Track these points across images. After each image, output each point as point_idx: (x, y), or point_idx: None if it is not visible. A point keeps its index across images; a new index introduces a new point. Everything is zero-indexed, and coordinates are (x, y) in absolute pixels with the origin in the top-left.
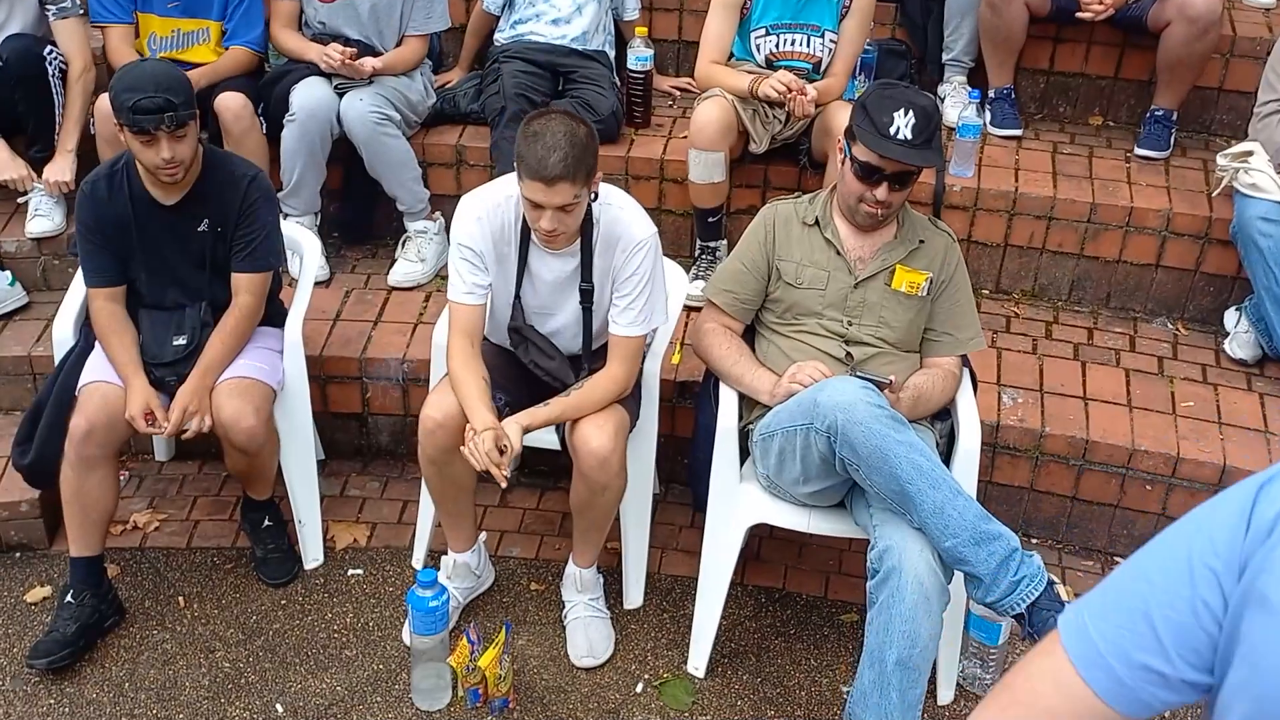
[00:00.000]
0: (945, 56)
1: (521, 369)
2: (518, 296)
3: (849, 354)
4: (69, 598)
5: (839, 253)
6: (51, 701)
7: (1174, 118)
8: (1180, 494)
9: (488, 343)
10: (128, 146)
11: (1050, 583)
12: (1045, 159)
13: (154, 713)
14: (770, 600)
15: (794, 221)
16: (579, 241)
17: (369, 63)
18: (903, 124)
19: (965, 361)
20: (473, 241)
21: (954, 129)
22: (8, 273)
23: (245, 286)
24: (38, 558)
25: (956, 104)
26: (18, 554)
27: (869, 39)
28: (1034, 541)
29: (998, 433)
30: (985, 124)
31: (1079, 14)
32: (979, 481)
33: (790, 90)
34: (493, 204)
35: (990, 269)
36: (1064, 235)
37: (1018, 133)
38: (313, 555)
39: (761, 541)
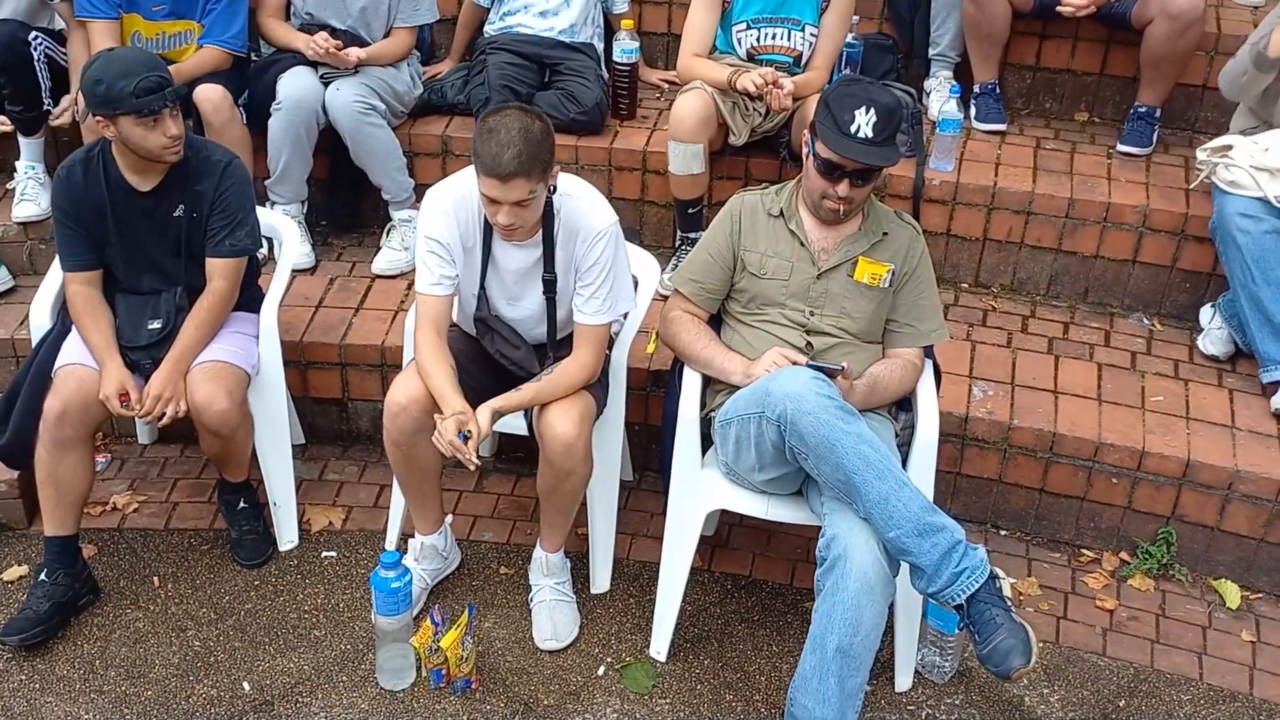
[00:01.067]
0: (931, 51)
1: (488, 357)
2: (483, 287)
3: (809, 344)
4: (43, 576)
5: (803, 244)
6: (23, 678)
7: (1157, 114)
8: (1146, 487)
9: (456, 330)
10: (119, 136)
11: (992, 576)
12: (1027, 154)
13: (123, 689)
14: (736, 587)
15: (760, 212)
16: (540, 233)
17: (354, 53)
18: (863, 122)
19: (929, 354)
20: (439, 233)
21: (935, 123)
22: None
23: (219, 272)
24: (15, 537)
25: (940, 99)
26: None
27: (855, 33)
28: (1003, 534)
29: (966, 425)
30: (969, 119)
31: (1059, 8)
32: (947, 473)
33: (768, 84)
34: (458, 195)
35: (969, 263)
36: (1042, 230)
37: (1001, 127)
38: (287, 537)
39: (730, 529)
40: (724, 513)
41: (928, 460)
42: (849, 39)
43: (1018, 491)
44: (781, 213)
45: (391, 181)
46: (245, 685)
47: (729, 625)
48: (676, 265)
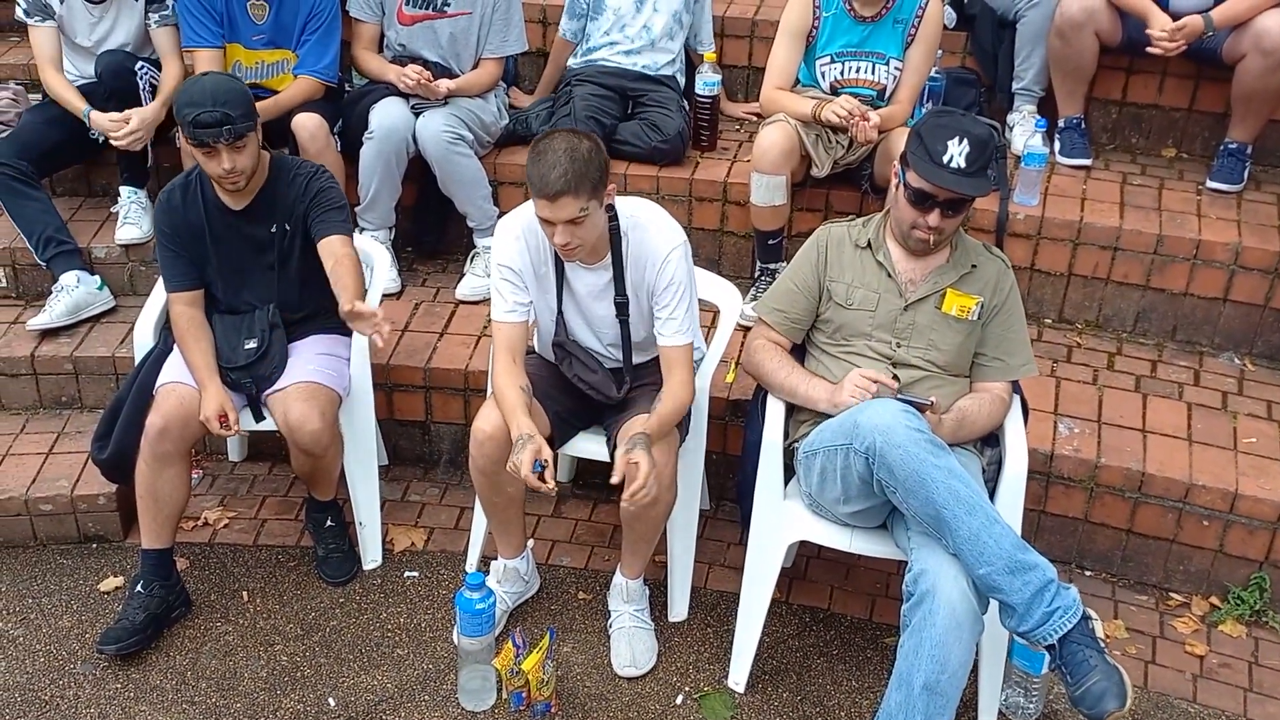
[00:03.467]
0: (1015, 85)
1: (567, 382)
2: (560, 311)
3: (895, 376)
4: (139, 588)
5: (890, 275)
6: (118, 686)
7: (1248, 151)
8: (1238, 531)
9: (537, 357)
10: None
11: (1085, 617)
12: (1114, 189)
13: (213, 701)
14: (815, 620)
15: (846, 243)
16: (609, 256)
17: (444, 84)
18: (956, 152)
19: (1017, 389)
20: (511, 261)
21: (1020, 157)
22: (97, 277)
23: (339, 245)
24: (112, 549)
25: (1024, 133)
26: (94, 545)
27: (938, 67)
28: (1087, 574)
29: (1052, 462)
30: (1054, 153)
31: (1149, 49)
32: (1032, 511)
33: (853, 115)
34: (527, 222)
35: (1053, 298)
36: (1129, 266)
37: (1086, 162)
38: (371, 556)
39: (809, 562)
40: (802, 544)
41: (1015, 496)
42: (932, 73)
43: (1104, 532)
44: (869, 244)
45: (477, 209)
46: (330, 701)
47: (808, 658)
48: (756, 296)
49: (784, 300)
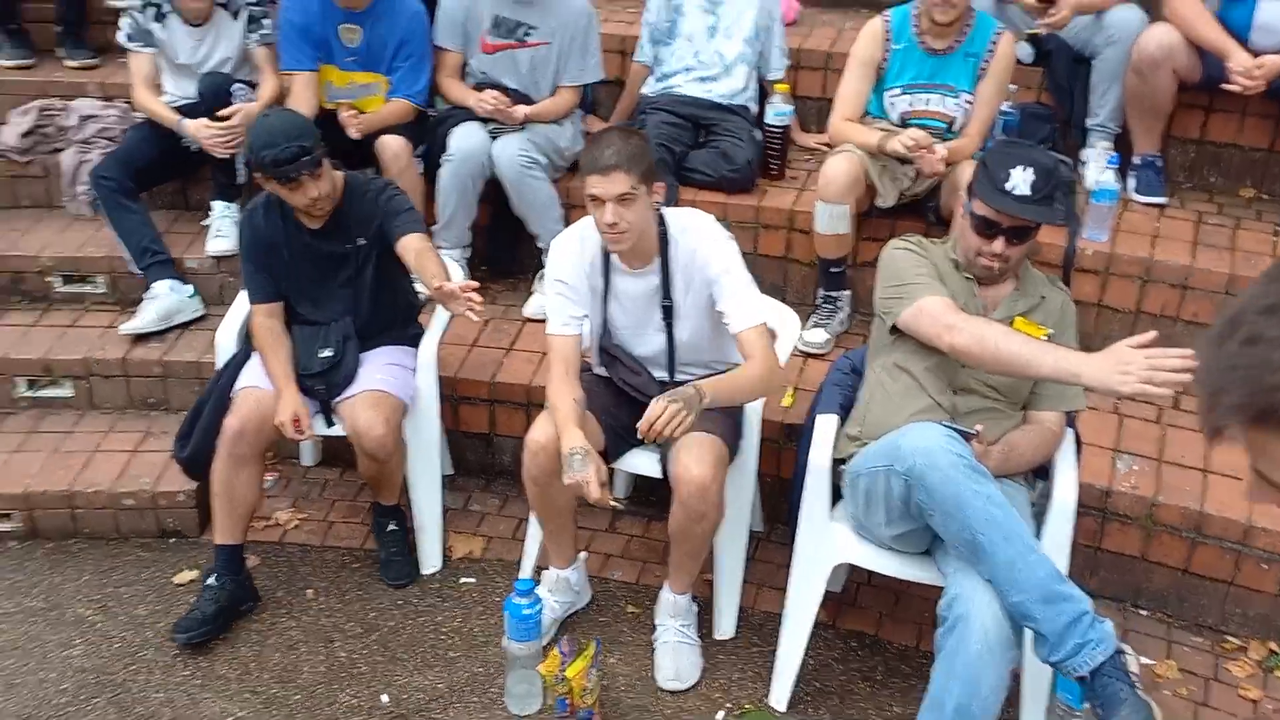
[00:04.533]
0: (1090, 121)
1: (621, 396)
2: (605, 318)
3: (954, 405)
4: (211, 581)
5: (974, 294)
6: (186, 673)
7: None
8: None
9: (590, 373)
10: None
11: (1118, 651)
12: (1187, 228)
13: (273, 692)
14: (861, 645)
15: (937, 254)
16: (658, 261)
17: (521, 110)
18: (1021, 180)
19: (1070, 423)
20: (565, 274)
21: (1090, 193)
22: (190, 286)
23: (417, 241)
24: (189, 544)
25: (1097, 169)
26: (172, 540)
27: (1013, 102)
28: (1142, 613)
29: (1109, 498)
30: (1127, 190)
31: (1227, 86)
32: (1087, 547)
33: (920, 147)
34: (579, 236)
35: (1120, 335)
36: (1199, 305)
37: (1161, 200)
38: (431, 561)
39: (859, 588)
40: (852, 570)
41: (1063, 529)
42: (1005, 107)
43: (1160, 571)
44: (957, 265)
45: (548, 231)
46: (384, 698)
47: (851, 682)
48: (818, 323)
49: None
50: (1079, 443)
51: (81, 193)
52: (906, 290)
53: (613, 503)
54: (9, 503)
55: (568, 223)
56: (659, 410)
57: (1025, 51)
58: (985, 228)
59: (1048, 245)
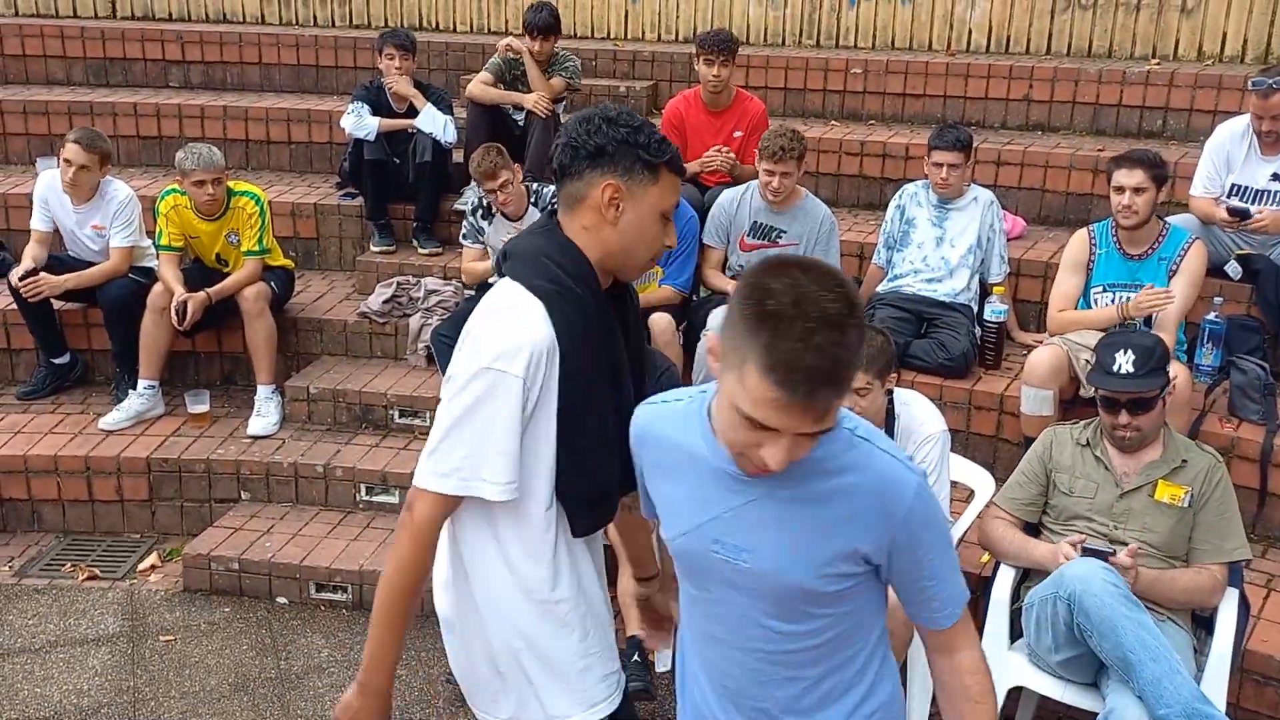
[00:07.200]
0: None
1: None
2: None
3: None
4: None
5: (1107, 468)
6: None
7: None
8: None
9: None
10: None
11: None
12: None
13: None
14: None
15: (1069, 441)
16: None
17: None
18: (1123, 360)
19: (1237, 583)
20: None
21: None
22: None
23: None
24: None
25: None
26: None
27: (1219, 313)
28: None
29: None
30: None
31: None
32: (1269, 718)
33: (1156, 297)
34: None
35: None
36: None
37: None
38: None
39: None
40: (1043, 704)
41: (1220, 671)
42: (1213, 317)
43: None
44: (1088, 442)
45: None
46: None
47: None
48: None
49: (1014, 488)
50: (1246, 605)
51: (420, 348)
52: (1006, 485)
53: None
54: (345, 578)
55: None
56: None
57: (1234, 269)
58: (1107, 405)
59: (1244, 441)
